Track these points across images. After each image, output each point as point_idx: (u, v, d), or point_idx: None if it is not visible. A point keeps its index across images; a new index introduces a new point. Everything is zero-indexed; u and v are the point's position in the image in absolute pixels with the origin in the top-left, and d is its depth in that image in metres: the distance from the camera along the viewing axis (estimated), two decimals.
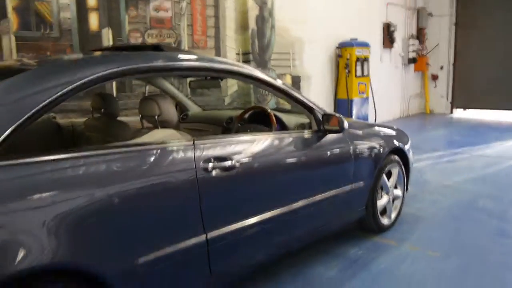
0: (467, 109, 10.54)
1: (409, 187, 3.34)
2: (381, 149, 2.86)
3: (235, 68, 2.13)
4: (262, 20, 5.98)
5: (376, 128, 3.05)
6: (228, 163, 1.87)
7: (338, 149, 2.54)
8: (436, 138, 7.42)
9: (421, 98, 10.58)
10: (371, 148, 2.80)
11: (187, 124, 3.25)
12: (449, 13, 10.16)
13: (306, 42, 6.82)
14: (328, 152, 2.48)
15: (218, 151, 1.88)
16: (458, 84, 10.39)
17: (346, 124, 2.41)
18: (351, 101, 7.44)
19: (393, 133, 3.15)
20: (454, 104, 10.52)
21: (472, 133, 7.73)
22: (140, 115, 2.02)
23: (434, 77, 10.51)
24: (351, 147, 2.63)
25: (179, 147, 1.75)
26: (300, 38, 6.73)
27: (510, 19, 9.48)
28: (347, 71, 7.36)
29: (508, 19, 9.50)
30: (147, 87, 3.03)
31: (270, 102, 5.99)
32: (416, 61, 9.98)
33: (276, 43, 6.24)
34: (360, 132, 2.79)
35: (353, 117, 7.34)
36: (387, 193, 3.04)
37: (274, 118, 2.62)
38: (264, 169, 2.09)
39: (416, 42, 10.00)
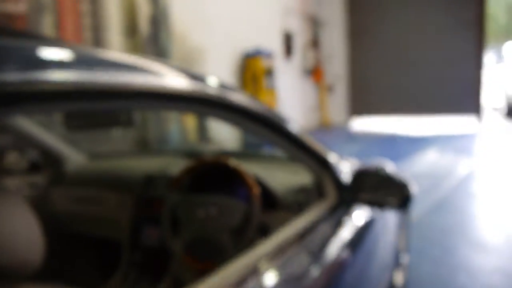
0: (364, 117, 10.35)
1: None
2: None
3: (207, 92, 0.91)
4: (155, 22, 4.64)
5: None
6: None
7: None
8: (352, 154, 6.80)
9: (319, 110, 10.12)
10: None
11: (60, 191, 1.86)
12: (342, 21, 9.92)
13: (208, 51, 5.63)
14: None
15: None
16: (354, 93, 10.21)
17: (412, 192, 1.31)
18: None
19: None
20: (352, 113, 10.29)
21: (383, 147, 7.35)
22: None
23: (331, 88, 10.15)
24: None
25: None
26: (201, 47, 5.52)
27: (400, 24, 9.57)
28: (254, 83, 6.37)
29: (398, 24, 9.59)
30: None
31: (174, 129, 4.65)
32: (313, 71, 9.49)
33: (173, 50, 4.93)
34: None
35: None
36: None
37: (248, 176, 1.41)
38: None
39: (313, 51, 9.51)
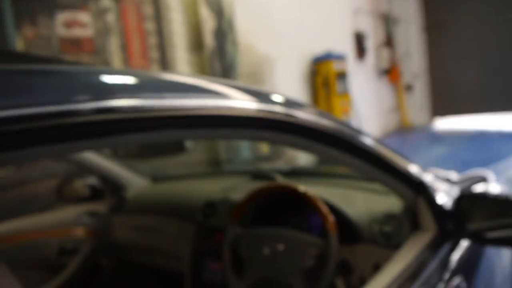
0: (448, 116, 9.55)
1: None
2: None
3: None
4: (220, 34, 4.56)
5: None
6: None
7: None
8: (439, 159, 6.23)
9: (397, 111, 9.51)
10: None
11: (122, 218, 1.75)
12: (417, 17, 9.28)
13: (276, 60, 5.46)
14: None
15: None
16: (435, 92, 9.48)
17: None
18: None
19: None
20: (434, 114, 9.55)
21: (477, 147, 6.64)
22: None
23: (409, 87, 9.51)
24: None
25: None
26: (268, 55, 5.36)
27: (481, 17, 8.72)
28: (326, 89, 6.08)
29: (479, 18, 8.75)
30: None
31: (244, 143, 4.51)
32: (389, 71, 8.95)
33: (240, 63, 4.82)
34: None
35: None
36: None
37: (322, 206, 1.18)
38: None
39: (387, 51, 8.98)
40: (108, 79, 0.57)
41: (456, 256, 1.07)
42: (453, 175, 1.55)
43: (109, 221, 1.79)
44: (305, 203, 1.23)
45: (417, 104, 9.52)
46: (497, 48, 8.65)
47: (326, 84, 6.05)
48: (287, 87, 5.72)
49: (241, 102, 0.71)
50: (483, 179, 1.57)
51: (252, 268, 1.20)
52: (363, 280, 1.16)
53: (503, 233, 0.98)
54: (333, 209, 1.23)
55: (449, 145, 7.37)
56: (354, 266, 1.18)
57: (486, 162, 5.25)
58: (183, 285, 1.53)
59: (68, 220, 1.76)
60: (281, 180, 1.59)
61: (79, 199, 1.83)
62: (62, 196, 1.86)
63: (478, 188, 1.45)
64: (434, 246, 1.01)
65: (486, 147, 6.63)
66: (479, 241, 1.04)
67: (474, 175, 1.60)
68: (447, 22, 9.07)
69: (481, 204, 1.03)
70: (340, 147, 0.88)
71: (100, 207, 1.84)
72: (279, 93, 0.83)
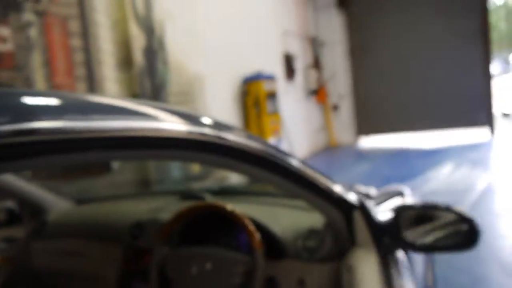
0: (372, 135, 10.10)
1: None
2: None
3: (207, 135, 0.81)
4: (151, 53, 4.52)
5: None
6: None
7: None
8: (363, 175, 6.56)
9: (325, 131, 9.92)
10: None
11: (43, 243, 1.66)
12: (342, 40, 9.82)
13: (207, 79, 5.49)
14: None
15: None
16: (360, 112, 10.01)
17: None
18: None
19: None
20: (359, 133, 10.07)
21: (397, 163, 7.09)
22: None
23: (336, 107, 9.97)
24: None
25: None
26: (199, 75, 5.38)
27: (402, 39, 9.42)
28: (256, 109, 6.20)
29: (400, 39, 9.44)
30: None
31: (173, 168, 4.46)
32: (317, 92, 9.33)
33: (171, 81, 4.80)
34: None
35: None
36: None
37: (248, 223, 1.21)
38: None
39: (315, 72, 9.38)
40: (29, 100, 0.57)
41: (396, 267, 1.14)
42: (372, 191, 1.66)
43: (28, 247, 1.69)
44: (232, 222, 1.25)
45: (343, 123, 10.01)
46: (416, 70, 9.36)
47: (257, 103, 6.18)
48: (218, 106, 5.77)
49: (169, 124, 0.72)
50: (399, 194, 1.69)
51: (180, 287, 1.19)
52: None
53: (431, 237, 1.08)
54: (259, 226, 1.26)
55: (372, 162, 7.80)
56: (280, 282, 1.21)
57: (405, 177, 5.63)
58: None
59: None
60: (209, 199, 1.60)
61: None
62: None
63: (395, 202, 1.55)
64: (381, 261, 1.08)
65: (405, 163, 7.11)
66: (413, 249, 1.12)
67: (391, 190, 1.72)
68: (370, 44, 9.68)
69: (411, 213, 1.11)
70: (266, 167, 0.93)
71: (17, 232, 1.73)
72: (208, 116, 0.86)
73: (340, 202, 1.11)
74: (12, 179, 1.70)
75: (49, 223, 1.73)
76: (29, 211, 1.76)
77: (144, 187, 4.22)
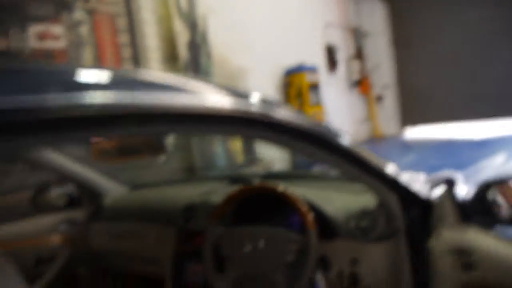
0: (417, 126, 9.81)
1: None
2: None
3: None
4: (194, 47, 4.60)
5: None
6: None
7: None
8: (409, 166, 6.36)
9: (368, 122, 9.73)
10: None
11: (101, 226, 1.74)
12: (385, 31, 9.58)
13: (249, 72, 5.53)
14: None
15: None
16: (405, 102, 9.74)
17: None
18: None
19: None
20: (404, 123, 9.80)
21: (445, 154, 6.85)
22: None
23: (380, 98, 9.76)
24: None
25: None
26: (242, 68, 5.43)
27: (449, 28, 9.06)
28: (299, 101, 6.19)
29: (446, 29, 9.08)
30: None
31: (219, 152, 4.54)
32: (360, 83, 9.17)
33: (215, 74, 4.87)
34: None
35: None
36: None
37: (301, 204, 1.22)
38: None
39: (358, 63, 9.22)
40: (80, 75, 0.60)
41: None
42: (421, 177, 1.62)
43: (87, 229, 1.78)
44: (284, 203, 1.27)
45: (387, 114, 9.78)
46: (463, 59, 8.99)
47: (299, 95, 6.16)
48: None
49: (225, 99, 0.75)
50: (450, 181, 1.64)
51: (234, 265, 1.22)
52: (341, 274, 1.20)
53: None
54: (311, 206, 1.27)
55: (419, 153, 7.57)
56: (332, 261, 1.22)
57: (454, 167, 5.42)
58: None
59: (45, 228, 1.73)
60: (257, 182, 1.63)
61: (55, 208, 1.80)
62: (38, 205, 1.83)
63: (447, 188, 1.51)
64: None
65: (454, 154, 6.85)
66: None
67: (441, 176, 1.67)
68: (415, 35, 9.39)
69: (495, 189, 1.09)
70: (320, 145, 0.94)
71: (77, 215, 1.82)
72: (261, 93, 0.88)
73: (393, 183, 1.10)
74: (71, 165, 1.79)
75: (106, 206, 1.82)
76: (88, 195, 1.86)
77: (193, 174, 4.31)
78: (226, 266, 1.24)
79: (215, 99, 0.75)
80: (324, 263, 1.22)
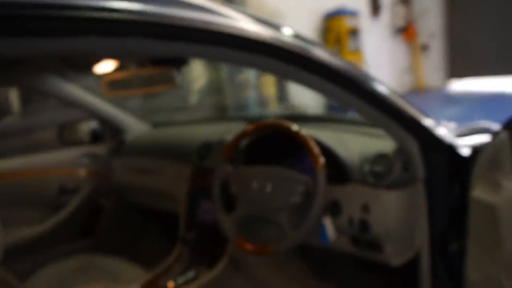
0: (463, 79, 9.30)
1: None
2: None
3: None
4: None
5: None
6: None
7: None
8: (449, 119, 6.10)
9: (411, 72, 9.30)
10: None
11: (122, 161, 1.78)
12: None
13: (285, 15, 5.33)
14: None
15: None
16: (452, 53, 9.18)
17: None
18: None
19: None
20: (450, 75, 9.29)
21: (492, 109, 6.49)
22: None
23: (425, 47, 9.25)
24: None
25: None
26: (278, 11, 5.23)
27: None
28: (337, 46, 5.95)
29: None
30: None
31: (251, 97, 4.49)
32: (404, 30, 8.69)
33: None
34: None
35: None
36: None
37: (312, 144, 1.17)
38: None
39: (403, 8, 8.69)
40: None
41: None
42: (451, 125, 1.51)
43: (109, 163, 1.83)
44: (297, 143, 1.23)
45: (432, 64, 9.28)
46: None
47: (338, 41, 5.92)
48: None
49: (255, 27, 0.71)
50: (485, 130, 1.53)
51: (241, 205, 1.21)
52: (352, 221, 1.16)
53: None
54: (325, 149, 1.22)
55: (463, 106, 7.22)
56: (343, 207, 1.18)
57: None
58: (178, 225, 1.57)
59: (69, 161, 1.79)
60: None
61: (80, 142, 1.85)
62: (64, 139, 1.88)
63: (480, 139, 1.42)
64: None
65: (502, 109, 6.47)
66: None
67: (475, 126, 1.56)
68: None
69: None
70: (351, 88, 0.89)
71: (100, 149, 1.87)
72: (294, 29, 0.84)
73: (414, 127, 1.03)
74: (96, 101, 1.81)
75: (127, 142, 1.85)
76: (111, 132, 1.89)
77: (218, 113, 4.32)
78: (234, 205, 1.23)
79: (250, 25, 0.71)
80: (335, 208, 1.18)
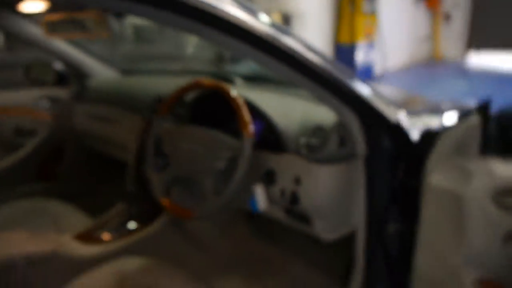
0: (486, 51, 8.84)
1: None
2: None
3: None
4: None
5: None
6: None
7: None
8: (457, 94, 5.92)
9: (430, 41, 8.94)
10: None
11: (82, 106, 1.75)
12: None
13: None
14: None
15: None
16: (476, 23, 8.72)
17: None
18: (354, 46, 5.82)
19: None
20: (471, 45, 8.84)
21: (505, 87, 6.25)
22: None
23: (447, 16, 8.82)
24: None
25: None
26: None
27: None
28: (351, 7, 5.70)
29: None
30: None
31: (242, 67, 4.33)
32: None
33: None
34: None
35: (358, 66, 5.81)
36: None
37: (245, 111, 1.11)
38: None
39: None
40: None
41: None
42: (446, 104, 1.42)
43: (70, 108, 1.79)
44: (232, 107, 1.17)
45: (453, 35, 8.88)
46: None
47: (352, 1, 5.67)
48: (310, 3, 5.39)
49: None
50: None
51: (172, 165, 1.17)
52: (284, 192, 1.12)
53: None
54: (265, 117, 1.16)
55: (477, 82, 6.95)
56: (277, 177, 1.14)
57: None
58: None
59: (29, 101, 1.76)
60: (239, 84, 1.53)
61: (43, 83, 1.81)
62: (30, 79, 1.84)
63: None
64: None
65: None
66: None
67: (453, 104, 1.47)
68: None
69: None
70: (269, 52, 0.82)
71: (63, 93, 1.82)
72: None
73: (355, 102, 0.96)
74: (63, 45, 1.75)
75: (91, 88, 1.80)
76: (76, 75, 1.84)
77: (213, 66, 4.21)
78: (163, 164, 1.19)
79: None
80: (269, 177, 1.14)
